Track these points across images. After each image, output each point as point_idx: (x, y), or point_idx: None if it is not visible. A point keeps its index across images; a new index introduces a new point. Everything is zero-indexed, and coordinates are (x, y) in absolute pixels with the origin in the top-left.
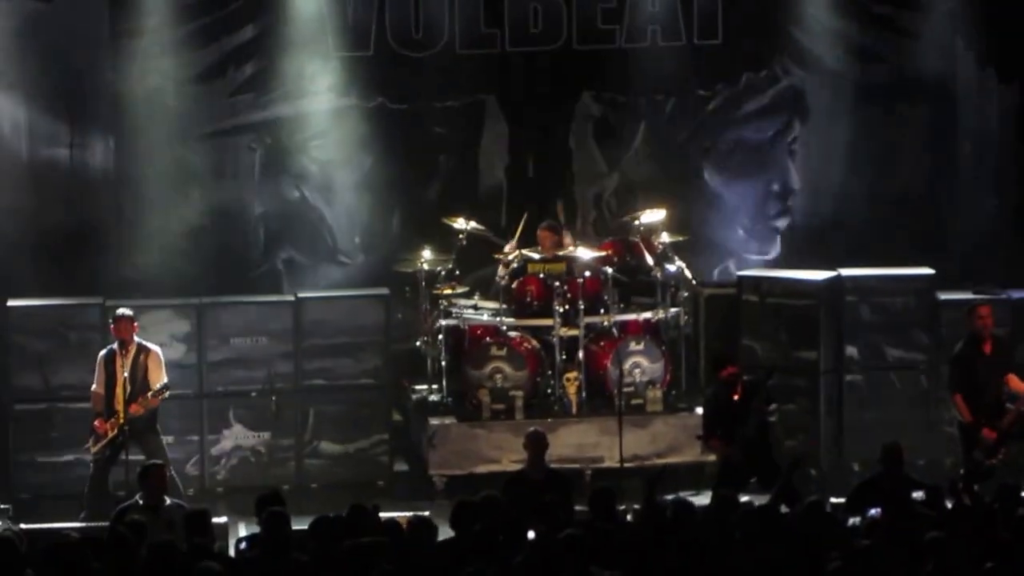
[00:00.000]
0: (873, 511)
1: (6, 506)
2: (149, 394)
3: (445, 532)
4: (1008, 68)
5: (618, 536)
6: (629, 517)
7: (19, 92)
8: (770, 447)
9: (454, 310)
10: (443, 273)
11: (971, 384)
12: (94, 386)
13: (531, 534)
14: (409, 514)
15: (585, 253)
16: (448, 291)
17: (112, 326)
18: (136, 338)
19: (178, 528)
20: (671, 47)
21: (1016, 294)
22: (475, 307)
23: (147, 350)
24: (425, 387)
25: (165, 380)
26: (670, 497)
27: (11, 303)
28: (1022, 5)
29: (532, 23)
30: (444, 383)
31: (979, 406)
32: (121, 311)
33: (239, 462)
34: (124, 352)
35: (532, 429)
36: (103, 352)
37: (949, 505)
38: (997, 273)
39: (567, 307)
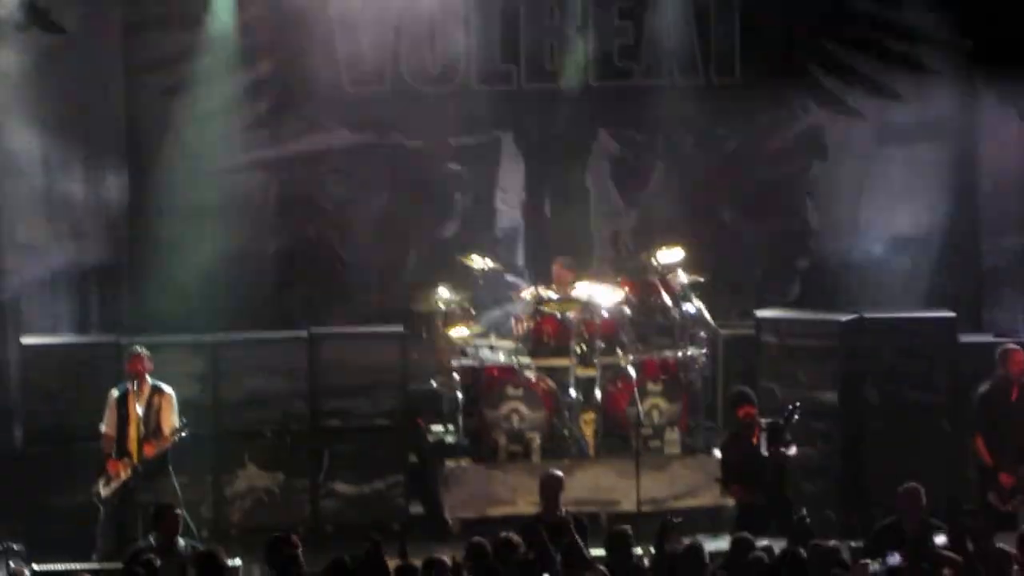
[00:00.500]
0: (893, 556)
1: (19, 547)
2: (166, 433)
3: None
4: None
5: None
6: (646, 561)
7: (35, 127)
8: (787, 491)
9: (470, 350)
10: (459, 312)
11: (994, 427)
12: (104, 427)
13: None
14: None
15: (603, 293)
16: (464, 330)
17: (127, 363)
18: (150, 378)
19: (191, 569)
20: (689, 85)
21: None
22: (491, 347)
23: (161, 391)
24: (441, 427)
25: (179, 421)
26: (687, 540)
27: (25, 341)
28: None
29: (549, 59)
30: (460, 423)
31: (1001, 450)
32: (136, 348)
33: (253, 503)
34: (138, 391)
35: (547, 472)
36: (115, 392)
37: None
38: (1018, 315)
39: (584, 347)
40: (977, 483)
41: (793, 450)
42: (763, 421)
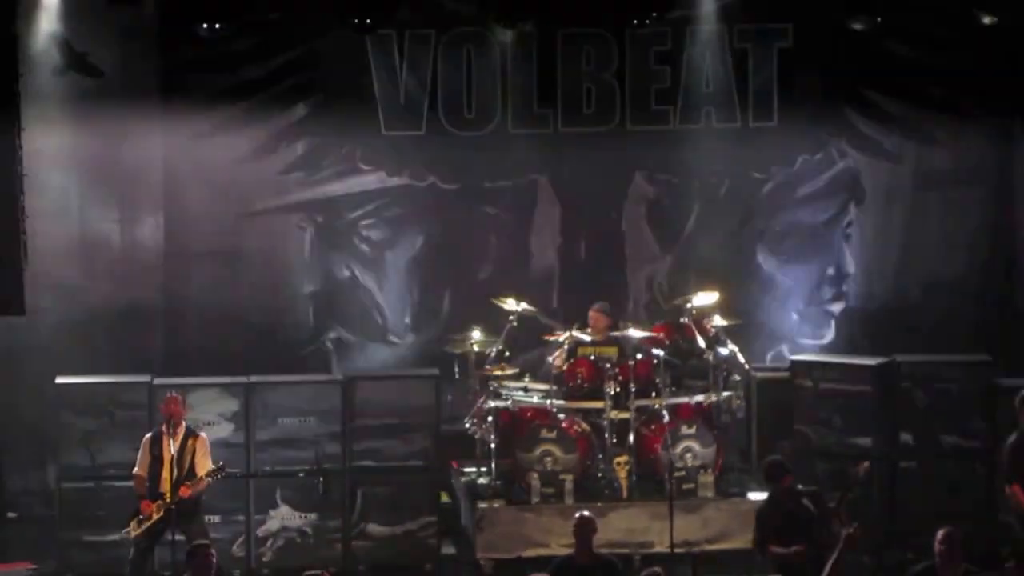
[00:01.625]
0: None
1: None
2: (204, 474)
3: None
4: None
5: None
6: None
7: (71, 168)
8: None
9: (504, 391)
10: (493, 354)
11: None
12: (136, 469)
13: None
14: None
15: (637, 335)
16: (498, 372)
17: (162, 406)
18: (185, 422)
19: None
20: (726, 128)
21: None
22: (525, 389)
23: (195, 435)
24: (474, 469)
25: (216, 463)
26: None
27: (59, 380)
28: None
29: (585, 103)
30: (493, 465)
31: None
32: (171, 392)
33: (285, 543)
34: (173, 433)
35: (580, 514)
36: (148, 435)
37: None
38: None
39: (618, 389)
40: (1016, 528)
41: (854, 526)
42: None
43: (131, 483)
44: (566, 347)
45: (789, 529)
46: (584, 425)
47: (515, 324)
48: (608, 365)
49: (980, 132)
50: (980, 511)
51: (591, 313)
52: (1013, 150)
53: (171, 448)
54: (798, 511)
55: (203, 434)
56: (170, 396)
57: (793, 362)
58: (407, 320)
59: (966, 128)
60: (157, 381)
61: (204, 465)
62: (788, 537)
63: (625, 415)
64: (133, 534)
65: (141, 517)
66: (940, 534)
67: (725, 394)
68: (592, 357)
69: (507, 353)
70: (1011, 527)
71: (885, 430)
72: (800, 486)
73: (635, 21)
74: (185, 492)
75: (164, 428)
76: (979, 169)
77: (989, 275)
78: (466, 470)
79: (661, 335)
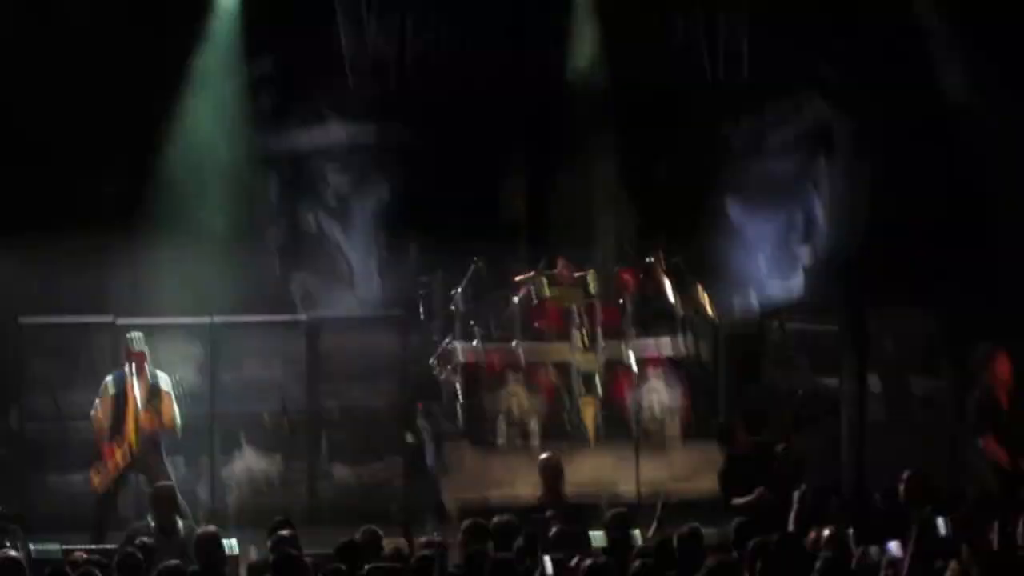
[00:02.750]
0: (891, 544)
1: (16, 526)
2: (166, 418)
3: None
4: None
5: (633, 565)
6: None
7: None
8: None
9: (471, 336)
10: (459, 296)
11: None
12: (95, 411)
13: (547, 562)
14: (422, 539)
15: (604, 282)
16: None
17: (125, 348)
18: (148, 367)
19: (189, 550)
20: (695, 79)
21: None
22: (492, 332)
23: (160, 379)
24: (440, 412)
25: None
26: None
27: (23, 320)
28: None
29: (555, 55)
30: (459, 409)
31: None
32: (134, 333)
33: (250, 487)
34: (136, 376)
35: (547, 455)
36: (109, 377)
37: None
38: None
39: (585, 335)
40: (979, 473)
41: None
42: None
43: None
44: (534, 292)
45: (756, 482)
46: (550, 369)
47: (483, 270)
48: (575, 310)
49: (952, 81)
50: (947, 455)
51: (559, 260)
52: (982, 96)
53: (136, 391)
54: (759, 464)
55: (167, 386)
56: (133, 339)
57: (761, 309)
58: (373, 269)
59: (935, 74)
60: (120, 321)
61: (171, 412)
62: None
63: (592, 360)
64: (97, 486)
65: (103, 462)
66: (906, 476)
67: (692, 340)
68: (559, 302)
69: (475, 299)
70: (975, 466)
71: (852, 375)
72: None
73: None
74: (146, 422)
75: (127, 370)
76: (948, 116)
77: (958, 223)
78: (432, 413)
79: (629, 281)
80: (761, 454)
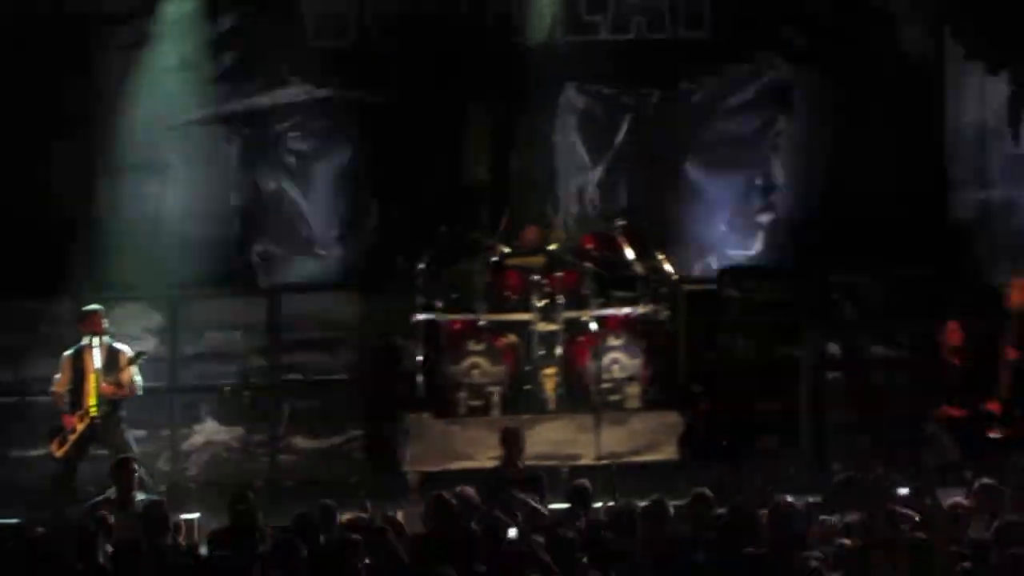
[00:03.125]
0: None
1: None
2: (124, 383)
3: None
4: (996, 58)
5: (593, 534)
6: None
7: None
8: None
9: (432, 304)
10: (421, 267)
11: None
12: (55, 386)
13: (512, 532)
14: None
15: (564, 247)
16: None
17: (83, 321)
18: (107, 338)
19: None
20: (656, 39)
21: None
22: (453, 300)
23: (119, 350)
24: (401, 382)
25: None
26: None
27: None
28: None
29: (515, 15)
30: (421, 378)
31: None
32: (93, 307)
33: (211, 457)
34: (97, 346)
35: (507, 426)
36: (69, 351)
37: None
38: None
39: (546, 301)
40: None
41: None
42: None
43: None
44: (494, 259)
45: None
46: (512, 337)
47: (444, 235)
48: (536, 277)
49: (909, 39)
50: (907, 422)
51: (529, 228)
52: (942, 56)
53: (95, 360)
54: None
55: (126, 349)
56: (91, 311)
57: (721, 272)
58: (334, 233)
59: (896, 35)
60: (82, 296)
61: (130, 376)
62: None
63: (553, 327)
64: (57, 454)
65: (63, 434)
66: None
67: (652, 305)
68: (520, 268)
69: (435, 265)
70: (937, 437)
71: (813, 340)
72: None
73: None
74: (107, 390)
75: (86, 343)
76: (908, 77)
77: (918, 184)
78: (393, 382)
79: (590, 246)
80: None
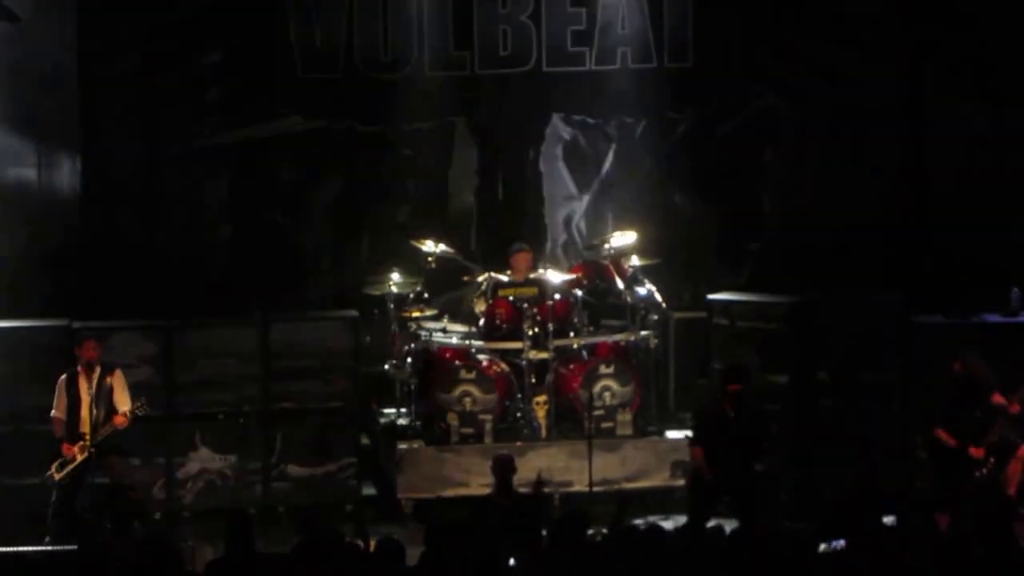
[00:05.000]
0: (842, 538)
1: None
2: (121, 411)
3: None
4: (976, 92)
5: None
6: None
7: None
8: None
9: (423, 333)
10: (412, 296)
11: (948, 414)
12: (54, 411)
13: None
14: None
15: (555, 276)
16: (417, 313)
17: (77, 348)
18: (99, 363)
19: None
20: (642, 69)
21: (989, 317)
22: (444, 330)
23: (111, 371)
24: (394, 410)
25: (139, 399)
26: (639, 521)
27: None
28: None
29: (502, 45)
30: (413, 406)
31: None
32: (86, 335)
33: (206, 485)
34: (89, 374)
35: (499, 453)
36: (63, 377)
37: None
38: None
39: (537, 330)
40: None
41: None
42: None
43: (51, 426)
44: (485, 288)
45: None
46: (503, 365)
47: (433, 266)
48: (526, 305)
49: (892, 75)
50: (896, 448)
51: (515, 255)
52: (926, 89)
53: (89, 388)
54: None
55: (119, 369)
56: (85, 339)
57: (710, 301)
58: (326, 263)
59: (881, 67)
60: (76, 324)
61: (123, 400)
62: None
63: (544, 355)
64: (56, 477)
65: (63, 460)
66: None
67: (643, 333)
68: (511, 298)
69: (426, 295)
70: (926, 463)
71: (801, 368)
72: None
73: None
74: (120, 421)
75: (80, 369)
76: (892, 108)
77: (904, 213)
78: (385, 411)
79: (579, 276)
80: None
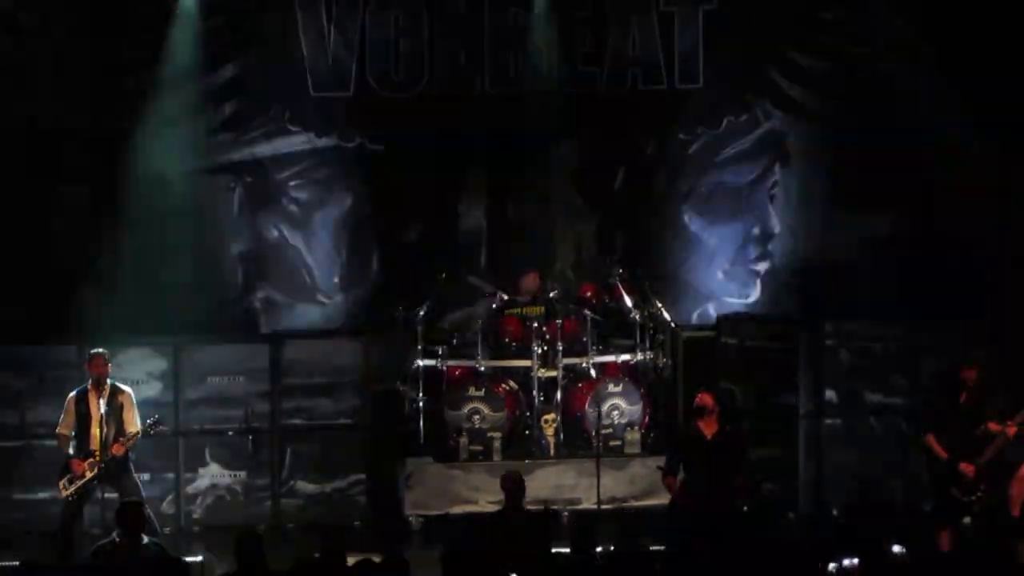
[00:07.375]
0: (850, 559)
1: None
2: (131, 430)
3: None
4: (985, 118)
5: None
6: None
7: None
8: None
9: (433, 350)
10: (422, 314)
11: (945, 425)
12: (60, 428)
13: None
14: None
15: (564, 295)
16: (427, 331)
17: (87, 364)
18: (109, 379)
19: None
20: (651, 90)
21: None
22: (453, 347)
23: (121, 391)
24: (402, 427)
25: (151, 418)
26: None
27: None
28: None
29: (512, 66)
30: (422, 424)
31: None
32: (96, 350)
33: (215, 501)
34: (99, 391)
35: (508, 471)
36: (73, 393)
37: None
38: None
39: (546, 348)
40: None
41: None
42: (728, 427)
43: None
44: (495, 306)
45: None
46: (512, 383)
47: (443, 284)
48: (536, 324)
49: (903, 93)
50: (903, 468)
51: (523, 275)
52: (935, 108)
53: (100, 406)
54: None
55: (128, 389)
56: (95, 355)
57: (719, 320)
58: (336, 280)
59: (889, 90)
60: (87, 342)
61: (132, 418)
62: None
63: (552, 373)
64: (64, 493)
65: (72, 475)
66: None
67: (651, 352)
68: (520, 316)
69: (436, 312)
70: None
71: (809, 388)
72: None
73: None
74: (118, 449)
75: (90, 386)
76: (899, 127)
77: (912, 233)
78: (395, 428)
79: (589, 295)
80: None
